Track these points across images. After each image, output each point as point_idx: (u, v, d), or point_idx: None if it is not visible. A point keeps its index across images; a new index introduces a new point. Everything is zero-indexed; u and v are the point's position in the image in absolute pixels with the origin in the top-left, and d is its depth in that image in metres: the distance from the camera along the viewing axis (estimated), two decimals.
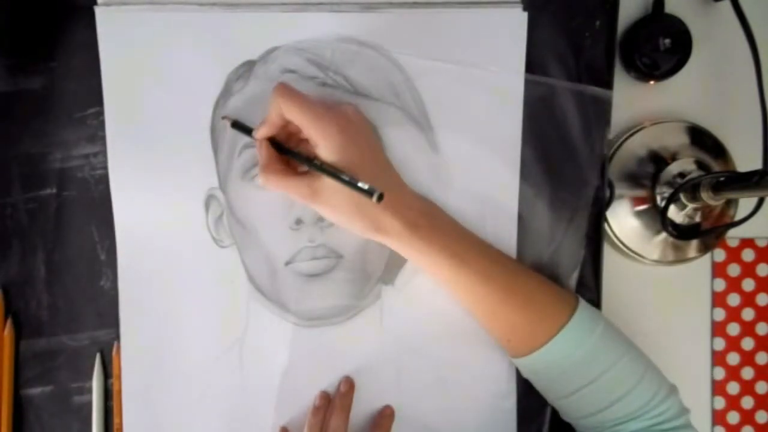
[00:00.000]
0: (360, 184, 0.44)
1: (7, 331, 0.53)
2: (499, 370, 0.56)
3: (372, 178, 0.46)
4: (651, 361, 0.51)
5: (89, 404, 0.54)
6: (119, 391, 0.54)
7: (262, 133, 0.49)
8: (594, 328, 0.49)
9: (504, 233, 0.55)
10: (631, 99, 0.58)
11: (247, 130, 0.50)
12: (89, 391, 0.54)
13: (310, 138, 0.47)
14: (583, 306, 0.51)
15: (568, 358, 0.49)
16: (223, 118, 0.52)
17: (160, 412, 0.54)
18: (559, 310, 0.50)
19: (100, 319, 0.54)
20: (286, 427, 0.54)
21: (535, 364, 0.51)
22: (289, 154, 0.49)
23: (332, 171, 0.46)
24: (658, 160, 0.58)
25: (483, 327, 0.53)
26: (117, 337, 0.54)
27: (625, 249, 0.58)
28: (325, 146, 0.46)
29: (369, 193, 0.43)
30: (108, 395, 0.55)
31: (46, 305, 0.54)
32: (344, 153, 0.47)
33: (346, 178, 0.45)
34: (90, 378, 0.54)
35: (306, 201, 0.48)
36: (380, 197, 0.43)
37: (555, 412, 0.56)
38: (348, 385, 0.54)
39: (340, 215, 0.48)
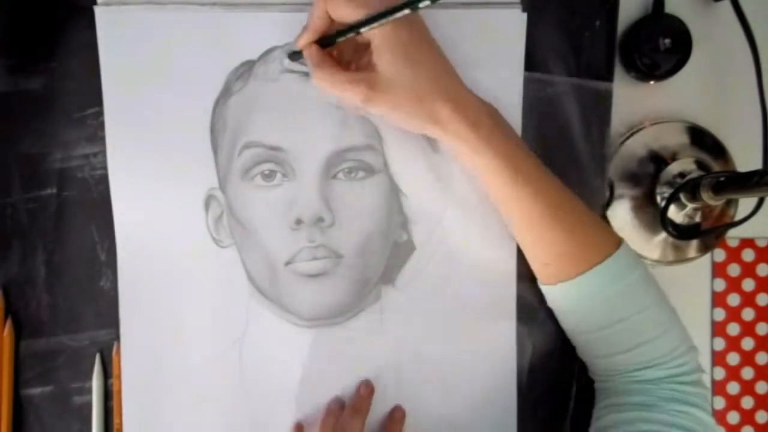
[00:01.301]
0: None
1: (7, 331, 0.53)
2: (500, 370, 0.56)
3: (431, 69, 0.47)
4: (677, 315, 0.51)
5: (89, 404, 0.54)
6: (119, 391, 0.54)
7: (305, 38, 0.48)
8: (635, 268, 0.50)
9: (504, 233, 0.55)
10: (631, 99, 0.58)
11: (296, 53, 0.50)
12: (89, 391, 0.54)
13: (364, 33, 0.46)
14: (626, 245, 0.50)
15: (606, 291, 0.49)
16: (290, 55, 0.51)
17: (160, 412, 0.54)
18: (604, 242, 0.50)
19: (100, 320, 0.54)
20: (301, 424, 0.54)
21: (570, 292, 0.50)
22: (336, 36, 0.47)
23: (384, 12, 0.43)
24: (658, 160, 0.58)
25: (523, 246, 0.52)
26: (117, 338, 0.54)
27: None
28: (381, 37, 0.46)
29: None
30: (108, 395, 0.55)
31: (46, 305, 0.54)
32: (400, 43, 0.46)
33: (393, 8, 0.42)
34: (90, 378, 0.54)
35: (362, 98, 0.47)
36: None
37: (555, 414, 0.56)
38: (368, 390, 0.54)
39: (399, 109, 0.47)
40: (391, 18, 0.44)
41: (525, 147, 0.50)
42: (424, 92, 0.47)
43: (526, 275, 0.55)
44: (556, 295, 0.52)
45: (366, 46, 0.48)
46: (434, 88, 0.47)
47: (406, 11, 0.43)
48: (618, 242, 0.50)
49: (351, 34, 0.46)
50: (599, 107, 0.56)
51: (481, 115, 0.48)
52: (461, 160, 0.50)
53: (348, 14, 0.46)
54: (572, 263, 0.49)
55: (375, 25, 0.45)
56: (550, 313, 0.55)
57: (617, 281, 0.49)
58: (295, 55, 0.51)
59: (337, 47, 0.49)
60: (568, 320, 0.53)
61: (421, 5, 0.42)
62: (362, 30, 0.45)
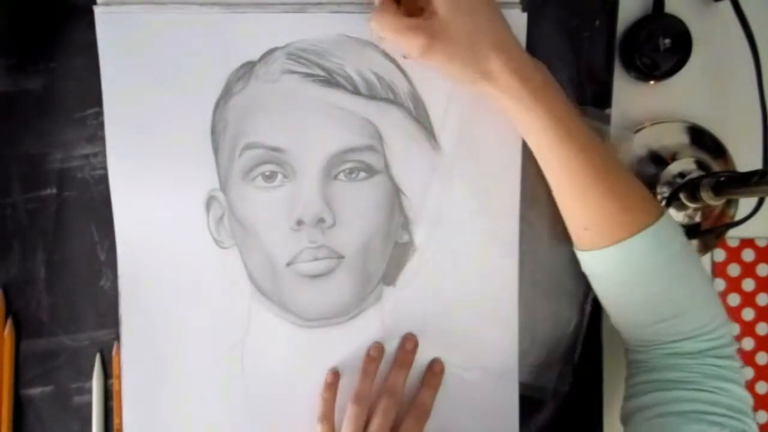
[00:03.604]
0: None
1: (8, 332, 0.53)
2: (501, 369, 0.56)
3: (488, 22, 0.47)
4: (713, 287, 0.50)
5: (89, 404, 0.54)
6: (119, 392, 0.54)
7: None
8: (676, 237, 0.49)
9: (505, 232, 0.55)
10: (631, 99, 0.58)
11: None
12: (89, 391, 0.54)
13: None
14: (669, 215, 0.49)
15: (647, 259, 0.48)
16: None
17: (160, 412, 0.54)
18: (647, 209, 0.49)
19: (100, 320, 0.54)
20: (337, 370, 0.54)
21: (611, 258, 0.49)
22: None
23: None
24: (658, 160, 0.58)
25: (564, 209, 0.52)
26: (117, 338, 0.54)
27: None
28: None
29: None
30: (108, 395, 0.55)
31: (46, 305, 0.54)
32: None
33: None
34: (90, 378, 0.54)
35: (421, 47, 0.47)
36: None
37: (554, 413, 0.56)
38: (413, 344, 0.54)
39: (454, 60, 0.47)
40: None
41: (573, 107, 0.49)
42: (480, 44, 0.46)
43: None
44: (593, 261, 0.51)
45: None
46: (489, 40, 0.47)
47: None
48: (660, 211, 0.49)
49: None
50: (599, 107, 0.56)
51: (532, 71, 0.48)
52: (509, 117, 0.50)
53: None
54: (613, 229, 0.48)
55: None
56: None
57: (659, 250, 0.48)
58: None
59: None
60: (605, 288, 0.52)
61: None
62: None
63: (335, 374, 0.54)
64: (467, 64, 0.47)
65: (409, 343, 0.55)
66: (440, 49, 0.47)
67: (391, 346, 0.55)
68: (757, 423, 0.61)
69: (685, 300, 0.48)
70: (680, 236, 0.49)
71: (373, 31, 0.50)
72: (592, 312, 0.57)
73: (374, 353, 0.54)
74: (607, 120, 0.56)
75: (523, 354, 0.56)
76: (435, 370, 0.55)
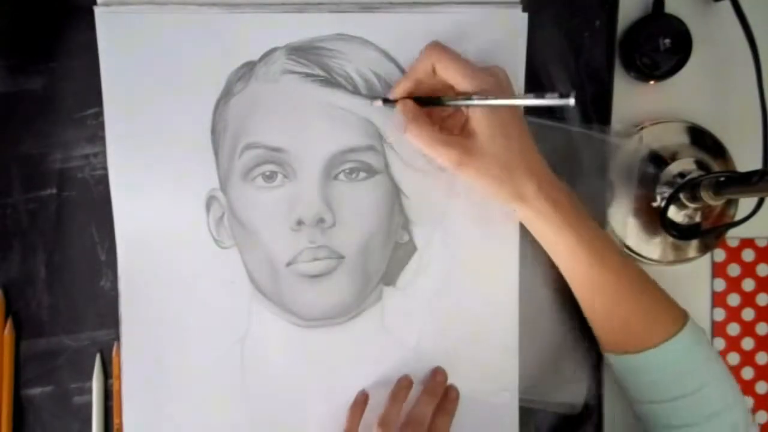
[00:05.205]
0: (548, 96, 0.41)
1: (8, 332, 0.53)
2: (501, 370, 0.56)
3: (520, 144, 0.48)
4: (740, 391, 0.51)
5: (89, 404, 0.54)
6: (119, 392, 0.54)
7: (403, 87, 0.50)
8: (701, 340, 0.51)
9: (506, 234, 0.55)
10: (631, 99, 0.58)
11: (389, 101, 0.51)
12: (89, 391, 0.54)
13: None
14: (692, 319, 0.52)
15: (677, 364, 0.50)
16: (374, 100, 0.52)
17: (160, 412, 0.54)
18: (674, 317, 0.51)
19: (100, 320, 0.54)
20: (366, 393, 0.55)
21: (641, 363, 0.51)
22: (436, 102, 0.49)
23: (512, 96, 0.45)
24: (658, 160, 0.58)
25: (592, 319, 0.53)
26: (117, 338, 0.54)
27: (625, 249, 0.58)
28: (482, 108, 0.47)
29: (563, 97, 0.40)
30: (108, 395, 0.55)
31: (47, 305, 0.54)
32: (499, 116, 0.47)
33: (532, 96, 0.43)
34: (90, 378, 0.54)
35: (453, 162, 0.48)
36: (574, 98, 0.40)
37: (554, 411, 0.56)
38: (444, 377, 0.55)
39: (487, 178, 0.48)
40: (502, 103, 0.46)
41: (600, 229, 0.51)
42: (514, 165, 0.48)
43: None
44: (628, 364, 0.52)
45: (457, 111, 0.50)
46: (522, 162, 0.48)
47: (529, 101, 0.44)
48: (685, 317, 0.51)
49: (460, 104, 0.48)
50: (599, 107, 0.56)
51: (560, 194, 0.49)
52: (539, 238, 0.51)
53: (460, 84, 0.47)
54: (645, 337, 0.50)
55: (484, 104, 0.46)
56: None
57: (690, 353, 0.50)
58: (388, 103, 0.51)
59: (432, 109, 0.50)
60: (638, 389, 0.53)
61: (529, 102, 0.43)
62: (471, 104, 0.47)
63: (365, 395, 0.54)
64: (501, 185, 0.48)
65: (440, 376, 0.55)
66: (474, 167, 0.48)
67: (391, 347, 0.55)
68: (758, 423, 0.61)
69: (714, 402, 0.50)
70: (705, 337, 0.52)
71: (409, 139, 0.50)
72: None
73: (405, 382, 0.54)
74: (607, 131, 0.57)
75: (523, 357, 0.56)
76: (451, 396, 0.55)
